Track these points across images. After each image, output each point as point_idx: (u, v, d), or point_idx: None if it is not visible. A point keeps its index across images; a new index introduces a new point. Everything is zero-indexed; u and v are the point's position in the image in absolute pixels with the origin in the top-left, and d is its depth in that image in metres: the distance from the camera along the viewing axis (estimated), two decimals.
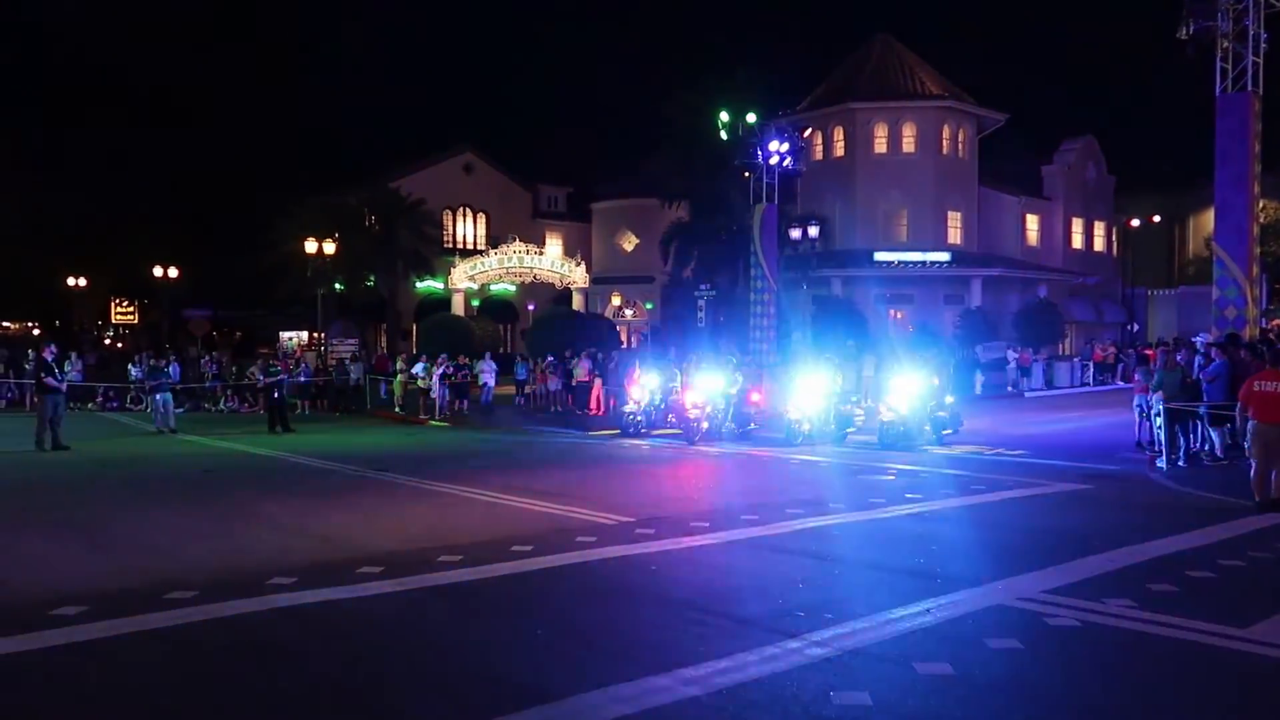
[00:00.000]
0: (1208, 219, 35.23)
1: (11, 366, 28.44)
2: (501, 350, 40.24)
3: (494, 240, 46.22)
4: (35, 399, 19.04)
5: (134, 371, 27.87)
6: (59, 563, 8.10)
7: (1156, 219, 47.17)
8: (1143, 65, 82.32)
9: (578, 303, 43.84)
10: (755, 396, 19.27)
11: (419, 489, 12.22)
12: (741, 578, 7.41)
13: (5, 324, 60.87)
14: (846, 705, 4.73)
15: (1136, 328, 45.87)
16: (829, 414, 16.98)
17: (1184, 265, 51.62)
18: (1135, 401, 15.67)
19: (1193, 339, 16.25)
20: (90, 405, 27.64)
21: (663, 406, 19.27)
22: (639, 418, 18.84)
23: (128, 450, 17.42)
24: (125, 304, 56.24)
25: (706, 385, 17.77)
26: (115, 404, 28.13)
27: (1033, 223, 46.38)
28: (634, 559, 8.05)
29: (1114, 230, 49.89)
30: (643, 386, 19.34)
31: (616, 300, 48.59)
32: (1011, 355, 31.74)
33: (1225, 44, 16.81)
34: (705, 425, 17.26)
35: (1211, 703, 4.90)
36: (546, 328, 36.51)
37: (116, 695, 5.02)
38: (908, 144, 42.00)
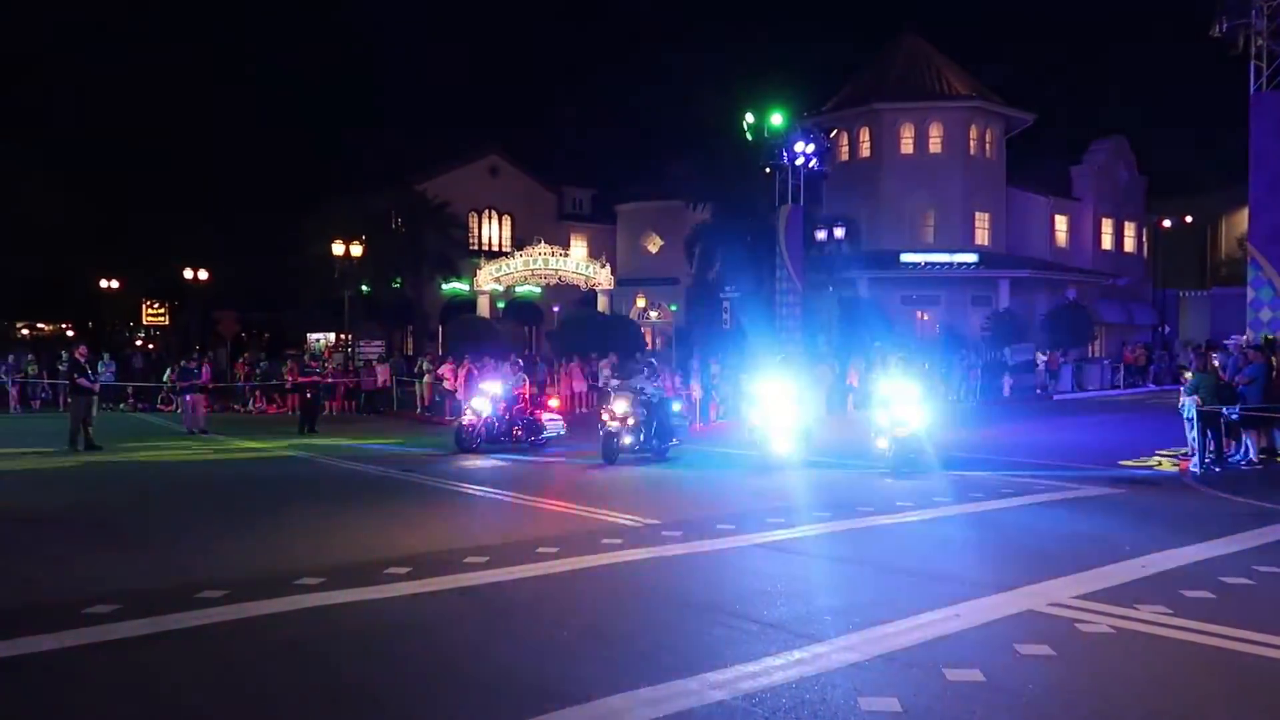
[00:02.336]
0: (1241, 219, 34.70)
1: (45, 367, 28.85)
2: (527, 352, 40.32)
3: (519, 242, 46.31)
4: (68, 399, 19.32)
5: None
6: (90, 562, 8.20)
7: (1189, 219, 46.53)
8: (1176, 64, 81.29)
9: (602, 304, 43.83)
10: (677, 406, 16.58)
11: (443, 489, 12.27)
12: (768, 581, 7.37)
13: (39, 325, 61.84)
14: (875, 711, 4.69)
15: (1168, 330, 45.28)
16: (803, 427, 14.87)
17: (1216, 267, 50.89)
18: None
19: (1224, 341, 16.00)
20: (122, 406, 27.99)
21: (507, 417, 16.74)
22: (479, 430, 16.38)
23: (158, 451, 17.62)
24: (156, 306, 56.94)
25: (628, 394, 15.03)
26: (145, 405, 28.47)
27: (1061, 224, 45.91)
28: (660, 561, 8.03)
29: (1145, 231, 49.27)
30: (484, 394, 16.84)
31: (641, 302, 48.55)
32: (1040, 358, 31.42)
33: (1260, 42, 16.54)
34: (628, 440, 14.66)
35: (1247, 710, 4.81)
36: (571, 330, 36.55)
37: (147, 694, 5.07)
38: (934, 144, 41.71)
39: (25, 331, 58.51)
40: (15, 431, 20.95)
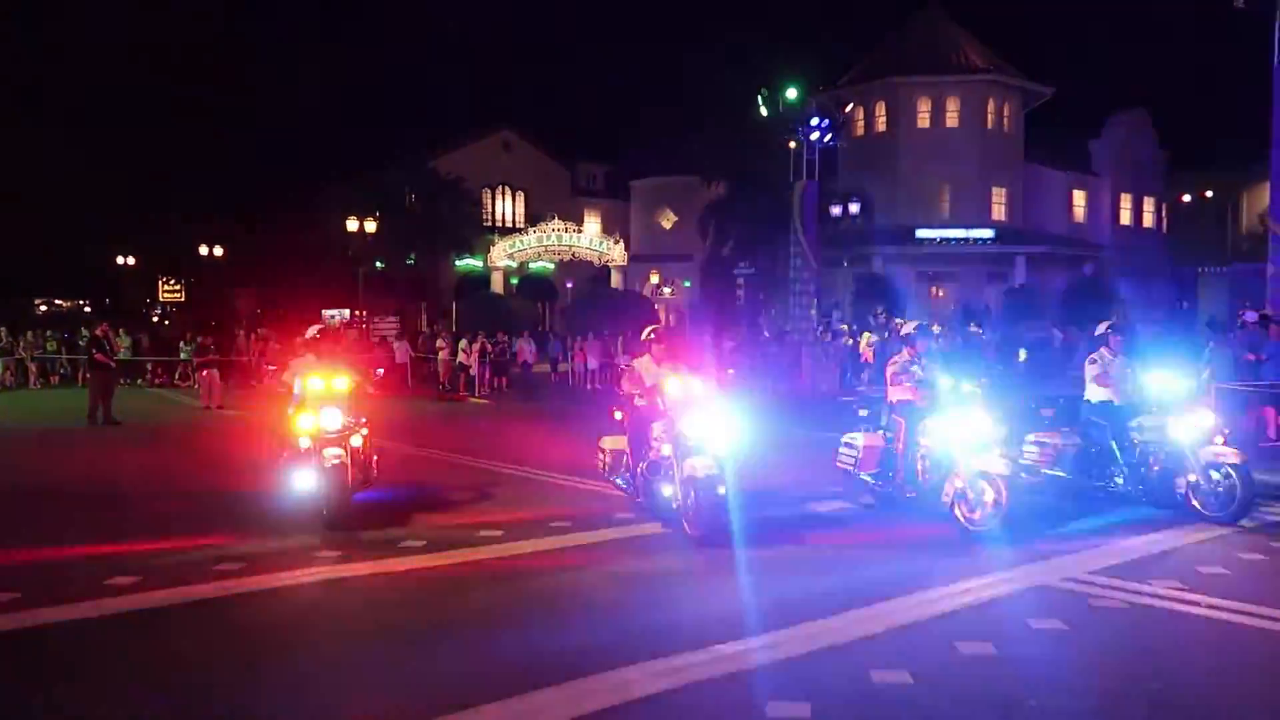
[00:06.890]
0: (1263, 195, 34.25)
1: (64, 343, 29.11)
2: (540, 328, 40.40)
3: (533, 218, 46.30)
4: (88, 375, 19.49)
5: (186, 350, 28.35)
6: (111, 533, 8.27)
7: (1209, 194, 46.01)
8: (1197, 36, 79.91)
9: (616, 281, 43.85)
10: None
11: (458, 464, 12.33)
12: (781, 554, 7.39)
13: (58, 301, 62.28)
14: (887, 683, 4.71)
15: (1186, 306, 44.83)
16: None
17: (1237, 242, 50.30)
18: None
19: (1243, 316, 15.81)
20: (139, 381, 28.21)
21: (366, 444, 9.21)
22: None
23: (175, 425, 17.77)
24: (172, 283, 57.24)
25: (709, 420, 7.93)
26: (164, 380, 28.68)
27: (1079, 199, 45.48)
28: (670, 538, 8.05)
29: (1164, 206, 48.73)
30: (329, 400, 8.67)
31: (655, 278, 48.49)
32: (1057, 335, 31.19)
33: None
34: (723, 491, 7.60)
35: (1260, 683, 4.81)
36: (585, 306, 36.59)
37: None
38: (951, 118, 41.33)
39: (44, 308, 58.94)
40: (35, 407, 21.18)
